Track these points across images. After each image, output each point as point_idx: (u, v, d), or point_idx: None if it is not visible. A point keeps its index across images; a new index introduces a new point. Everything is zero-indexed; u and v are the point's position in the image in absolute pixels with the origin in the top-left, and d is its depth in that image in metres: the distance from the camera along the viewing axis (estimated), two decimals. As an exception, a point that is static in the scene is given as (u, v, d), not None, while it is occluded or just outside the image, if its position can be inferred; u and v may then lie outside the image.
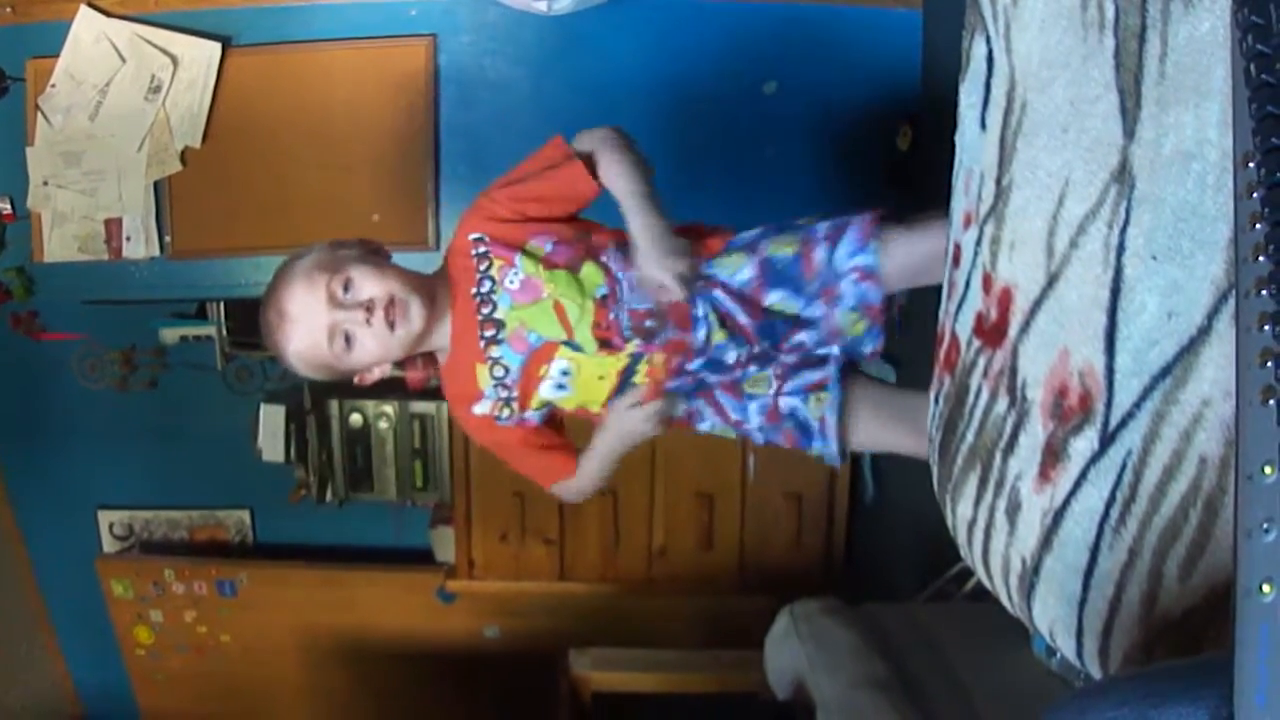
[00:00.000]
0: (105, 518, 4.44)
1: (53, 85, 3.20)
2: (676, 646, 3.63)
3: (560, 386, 1.99)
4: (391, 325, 1.87)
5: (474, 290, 1.96)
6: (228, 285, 3.40)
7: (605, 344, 1.96)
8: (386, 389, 3.96)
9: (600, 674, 3.36)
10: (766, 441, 2.12)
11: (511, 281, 1.94)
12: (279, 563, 4.23)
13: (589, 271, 1.96)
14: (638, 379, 2.00)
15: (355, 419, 4.00)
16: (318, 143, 3.25)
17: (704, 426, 2.13)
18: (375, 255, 1.96)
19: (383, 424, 4.00)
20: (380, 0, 3.21)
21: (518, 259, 1.94)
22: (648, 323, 1.96)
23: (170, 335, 4.05)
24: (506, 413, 2.02)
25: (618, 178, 1.97)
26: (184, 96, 3.20)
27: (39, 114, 3.22)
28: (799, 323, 2.00)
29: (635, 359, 1.97)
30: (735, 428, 2.10)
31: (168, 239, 3.30)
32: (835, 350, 2.03)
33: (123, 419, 4.25)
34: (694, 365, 2.01)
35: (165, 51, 3.18)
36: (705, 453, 3.79)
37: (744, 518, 3.88)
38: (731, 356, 2.01)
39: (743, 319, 1.99)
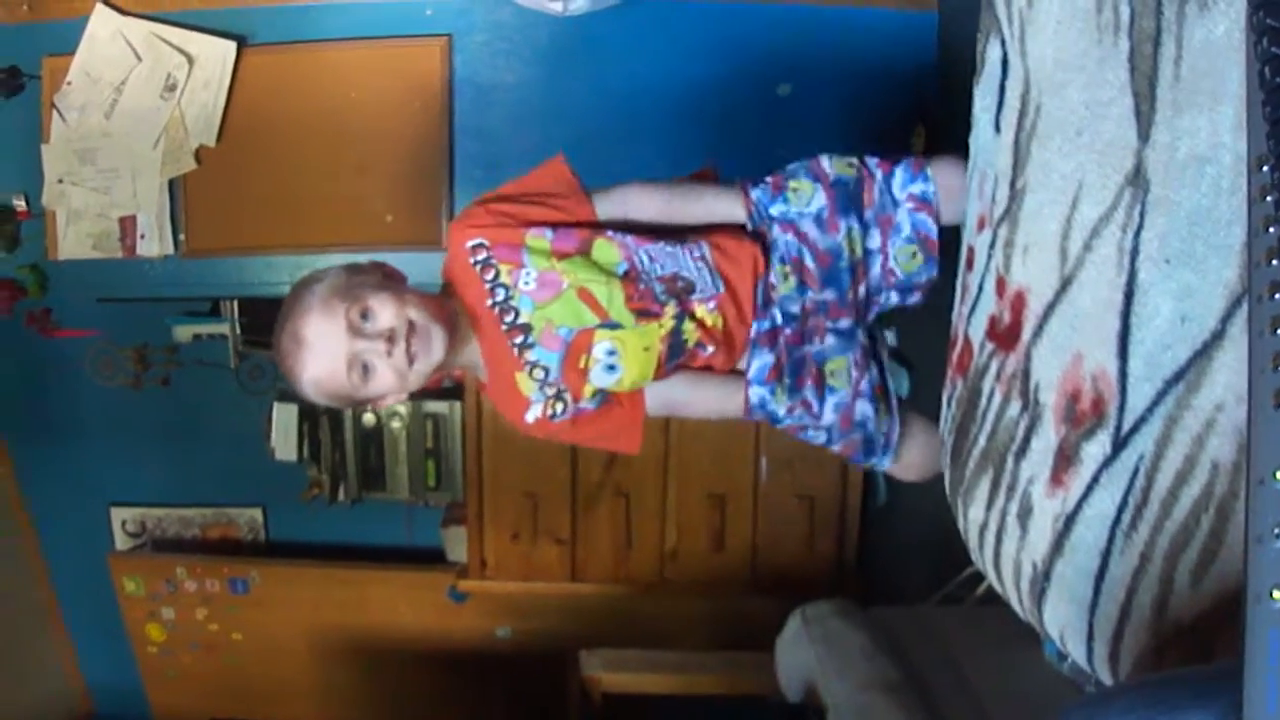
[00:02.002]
0: (118, 515, 4.44)
1: (68, 83, 3.21)
2: (687, 648, 3.63)
3: (610, 368, 1.94)
4: (412, 359, 1.82)
5: (490, 302, 1.92)
6: (241, 284, 3.41)
7: (643, 314, 1.92)
8: (399, 388, 3.99)
9: (611, 675, 3.36)
10: (825, 444, 2.10)
11: (526, 283, 1.91)
12: (291, 561, 4.23)
13: (601, 250, 1.94)
14: (688, 339, 1.97)
15: (368, 418, 4.00)
16: (332, 142, 3.26)
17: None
18: (392, 281, 1.91)
19: (396, 423, 4.00)
20: (396, 0, 3.22)
21: (525, 257, 1.91)
22: (679, 283, 1.94)
23: (184, 333, 4.06)
24: (560, 407, 1.97)
25: (633, 192, 2.01)
26: (199, 95, 3.21)
27: (54, 112, 3.23)
28: (863, 265, 2.00)
29: (679, 319, 1.94)
30: (807, 417, 2.05)
31: (182, 237, 3.31)
32: (889, 300, 2.04)
33: (136, 416, 4.26)
34: (764, 323, 1.99)
35: (181, 50, 3.19)
36: (717, 454, 3.78)
37: (756, 520, 3.87)
38: (797, 306, 2.00)
39: (810, 263, 1.99)
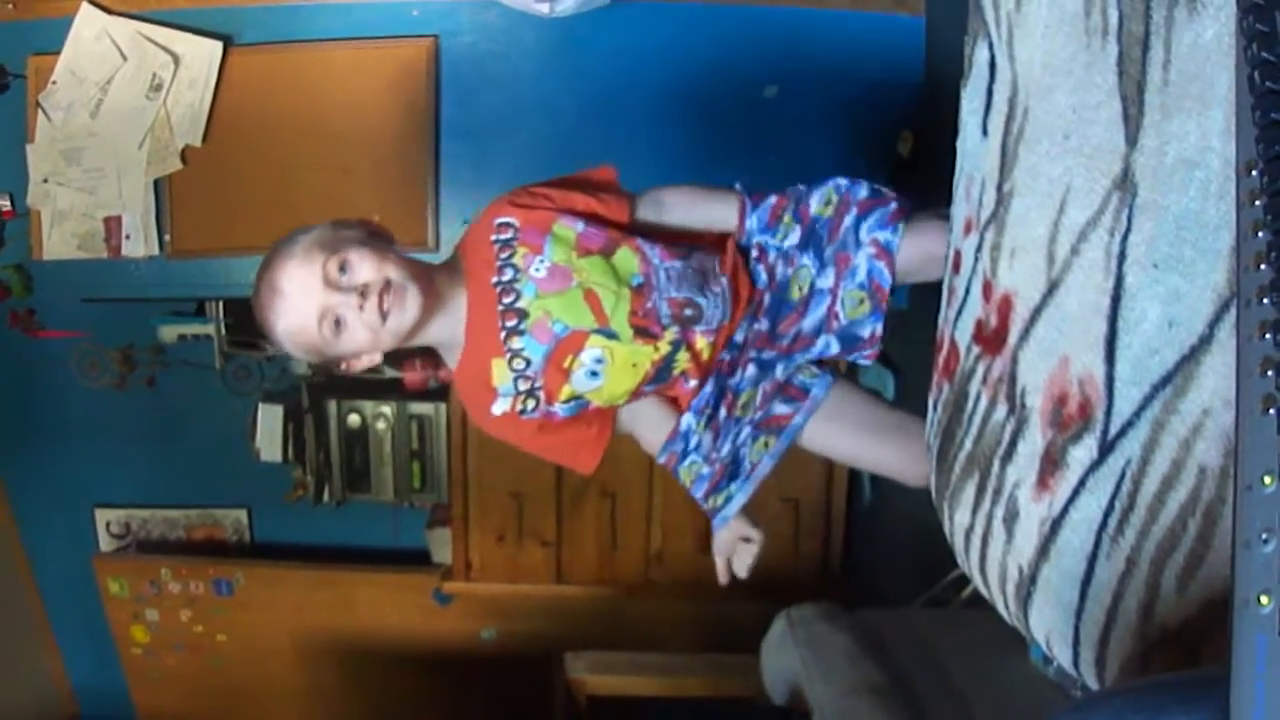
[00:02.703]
0: (102, 516, 4.43)
1: (54, 82, 3.20)
2: (673, 650, 3.63)
3: (593, 374, 1.92)
4: (385, 315, 1.79)
5: (494, 279, 1.90)
6: (227, 285, 3.39)
7: (642, 332, 1.91)
8: (385, 390, 3.99)
9: (596, 677, 3.36)
10: (697, 477, 2.09)
11: (538, 269, 1.89)
12: (276, 562, 4.22)
13: (623, 257, 1.93)
14: (678, 368, 1.96)
15: (353, 419, 3.99)
16: (318, 143, 3.25)
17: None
18: (377, 239, 1.87)
19: (381, 425, 3.99)
20: (382, 0, 3.21)
21: (546, 245, 1.89)
22: (687, 311, 1.93)
23: (169, 333, 4.04)
24: (531, 404, 1.94)
25: (668, 193, 2.02)
26: (185, 95, 3.20)
27: (40, 111, 3.22)
28: (805, 303, 2.00)
29: (675, 347, 1.93)
30: (710, 451, 2.07)
31: (167, 238, 3.30)
32: (829, 347, 2.02)
33: (120, 417, 4.24)
34: (722, 354, 2.00)
35: (167, 49, 3.18)
36: (703, 457, 3.78)
37: (742, 522, 3.88)
38: (741, 336, 2.00)
39: (766, 296, 2.01)
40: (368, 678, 4.19)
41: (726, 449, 2.03)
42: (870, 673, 2.30)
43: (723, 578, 2.12)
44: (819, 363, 2.09)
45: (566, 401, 1.95)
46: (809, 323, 2.01)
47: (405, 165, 3.25)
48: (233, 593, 4.15)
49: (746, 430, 2.03)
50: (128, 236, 3.28)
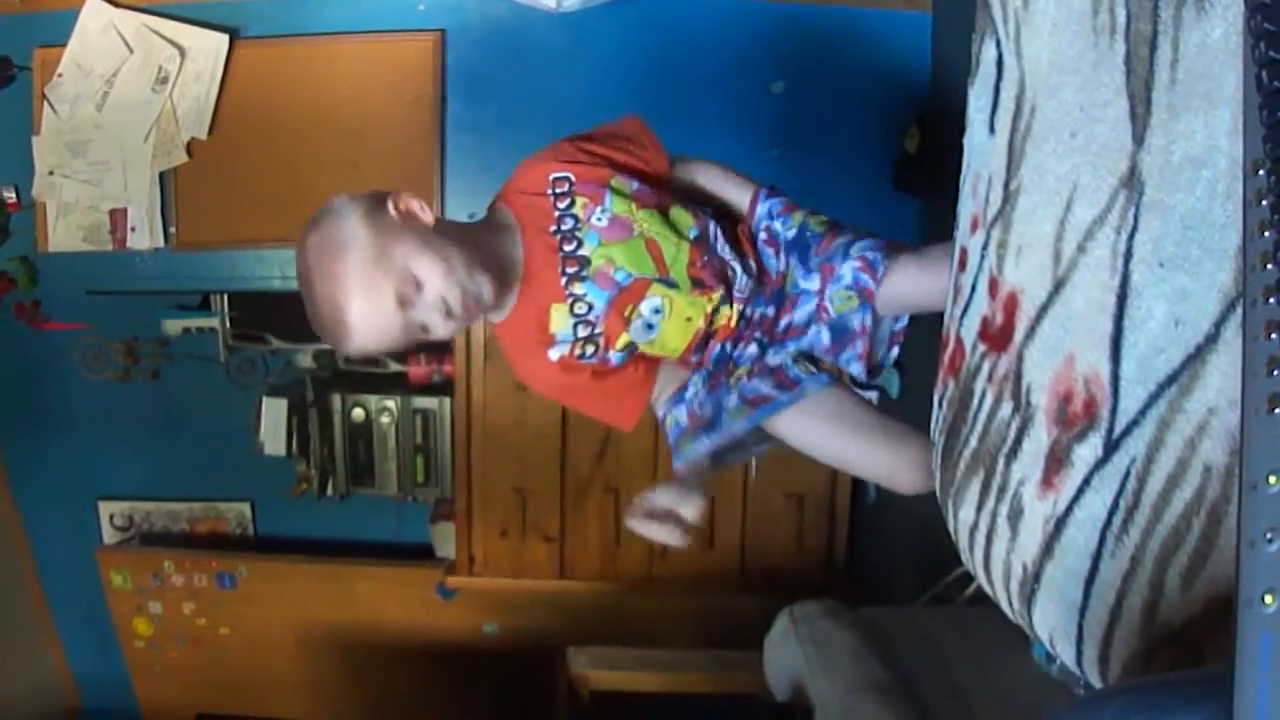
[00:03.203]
0: (106, 508, 4.43)
1: (60, 74, 3.21)
2: (675, 646, 3.63)
3: (649, 326, 1.93)
4: (469, 313, 1.82)
5: (553, 228, 1.90)
6: (232, 278, 3.40)
7: (698, 284, 1.92)
8: (389, 384, 3.99)
9: (599, 673, 3.36)
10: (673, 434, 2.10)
11: (599, 219, 1.89)
12: (279, 556, 4.23)
13: (678, 213, 1.94)
14: (718, 324, 1.98)
15: (357, 413, 4.00)
16: (324, 136, 3.25)
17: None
18: (418, 226, 1.83)
19: (385, 419, 4.00)
20: (389, -6, 3.23)
21: (607, 196, 1.90)
22: (729, 271, 1.95)
23: (173, 326, 4.05)
24: (591, 349, 1.94)
25: (699, 162, 2.03)
26: (191, 88, 3.20)
27: (45, 103, 3.22)
28: (795, 298, 2.02)
29: (722, 302, 1.95)
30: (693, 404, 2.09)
31: (172, 230, 3.30)
32: (820, 336, 2.03)
33: (124, 410, 4.25)
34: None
35: (173, 42, 3.18)
36: (707, 452, 3.78)
37: (745, 518, 3.88)
38: (753, 311, 2.01)
39: (772, 274, 2.02)
40: (370, 672, 4.19)
41: (710, 407, 2.04)
42: (873, 670, 2.30)
43: (633, 518, 2.00)
44: (817, 365, 2.10)
45: (621, 350, 1.96)
46: (800, 314, 2.03)
47: (411, 159, 3.25)
48: (236, 586, 4.15)
49: (734, 397, 2.05)
50: (133, 229, 3.28)
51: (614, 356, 1.97)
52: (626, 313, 1.92)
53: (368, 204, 1.82)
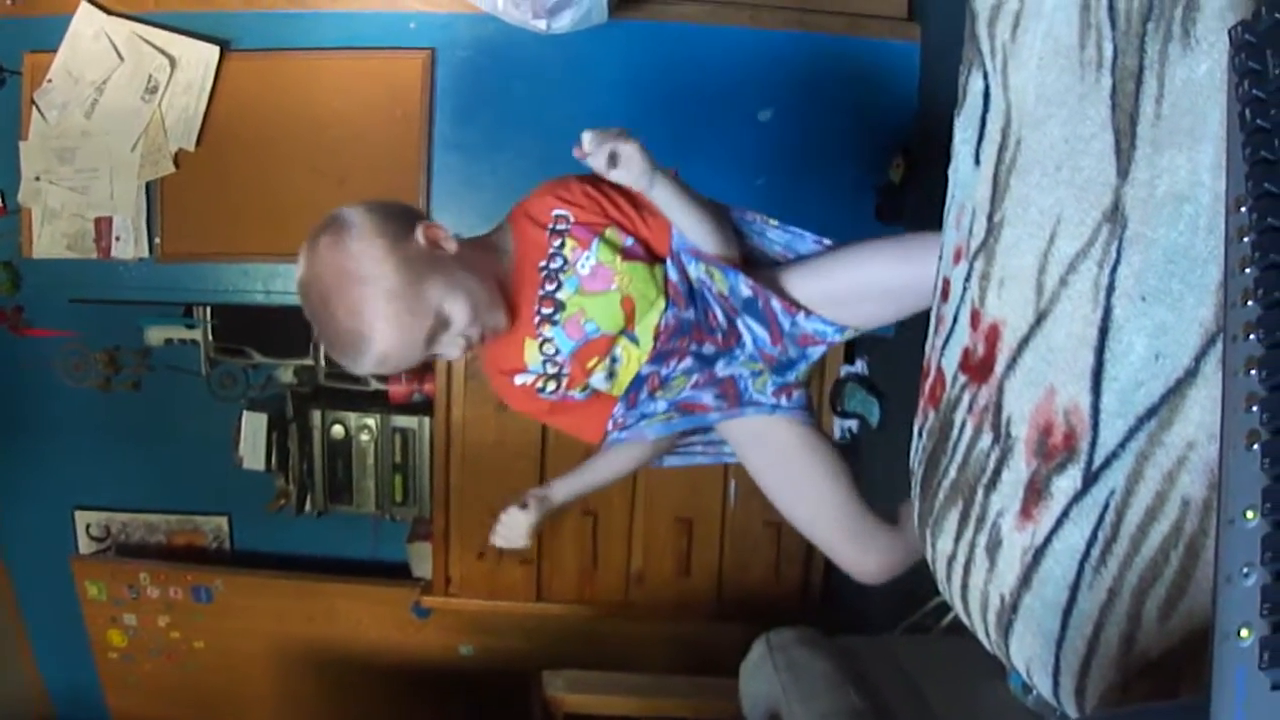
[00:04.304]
0: (82, 518, 4.41)
1: (49, 80, 3.20)
2: (651, 671, 3.62)
3: (610, 375, 2.01)
4: (484, 340, 1.91)
5: (543, 264, 1.94)
6: (216, 290, 3.39)
7: (656, 339, 1.98)
8: (369, 402, 3.98)
9: (573, 696, 3.35)
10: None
11: (583, 266, 1.93)
12: (255, 571, 4.21)
13: (661, 271, 1.97)
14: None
15: (337, 430, 3.99)
16: (311, 151, 3.25)
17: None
18: (447, 260, 1.85)
19: (364, 436, 3.99)
20: (380, 11, 3.22)
21: (595, 244, 1.92)
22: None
23: (156, 335, 4.04)
24: (552, 386, 2.01)
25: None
26: (180, 98, 3.20)
27: (34, 109, 3.22)
28: (723, 299, 2.04)
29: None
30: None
31: (157, 240, 3.29)
32: (752, 332, 2.04)
33: (104, 419, 4.24)
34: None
35: (164, 52, 3.18)
36: (687, 477, 3.78)
37: (723, 544, 3.88)
38: (662, 322, 2.01)
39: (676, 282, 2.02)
40: (344, 689, 4.17)
41: (635, 415, 2.08)
42: (849, 699, 2.29)
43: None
44: (788, 391, 2.12)
45: (584, 390, 2.03)
46: (721, 315, 2.04)
47: (397, 176, 3.25)
48: (211, 600, 4.14)
49: (661, 405, 2.08)
50: (118, 238, 3.27)
51: (577, 395, 2.04)
52: (590, 364, 1.97)
53: (393, 228, 1.82)
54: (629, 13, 3.17)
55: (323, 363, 3.92)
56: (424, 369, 3.75)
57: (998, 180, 1.18)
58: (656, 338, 1.96)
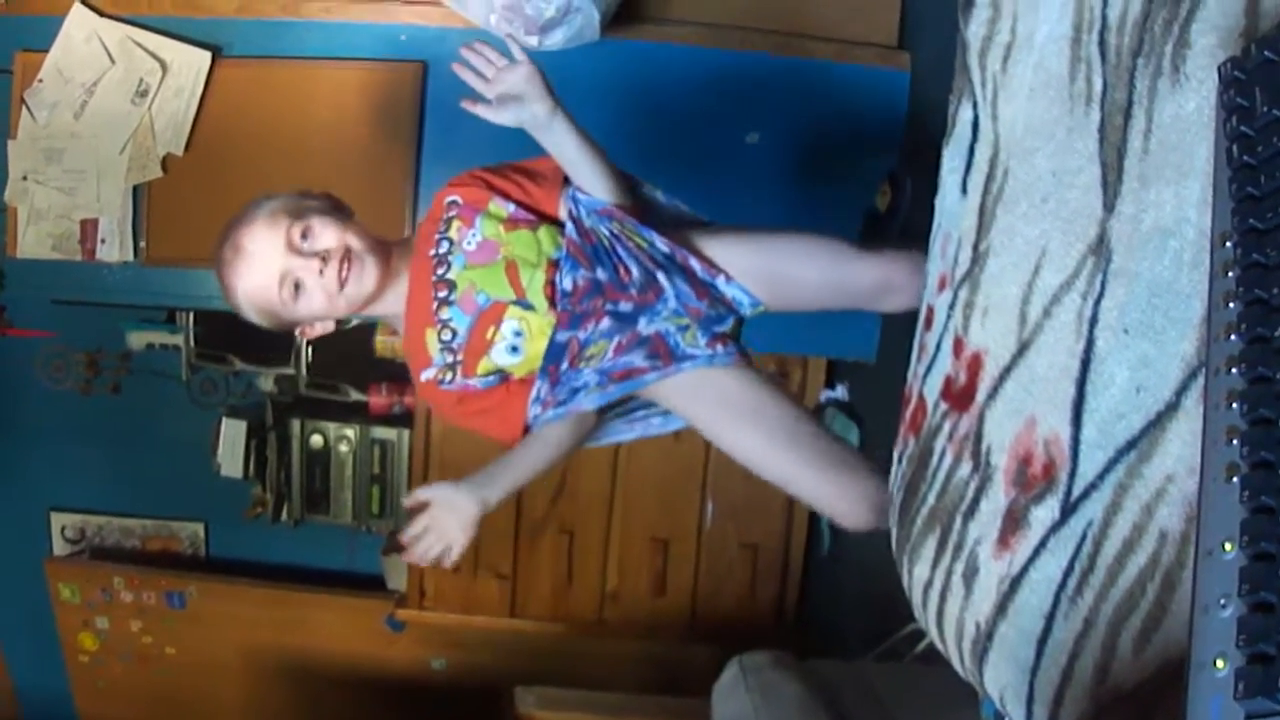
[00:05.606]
0: (57, 520, 4.39)
1: (40, 80, 3.19)
2: (624, 690, 3.61)
3: (514, 349, 2.01)
4: (344, 282, 1.89)
5: (432, 251, 2.00)
6: (199, 296, 3.38)
7: (553, 302, 1.99)
8: (349, 412, 3.97)
9: (545, 713, 3.34)
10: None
11: (469, 243, 1.99)
12: (229, 578, 4.20)
13: (546, 234, 2.01)
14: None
15: (316, 440, 3.98)
16: (300, 160, 3.25)
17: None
18: (340, 210, 1.99)
19: (343, 447, 3.98)
20: (373, 23, 3.22)
21: (478, 220, 1.99)
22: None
23: (137, 339, 4.03)
24: (449, 376, 2.03)
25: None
26: (170, 103, 3.19)
27: (24, 107, 3.21)
28: (639, 252, 2.05)
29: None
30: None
31: (142, 244, 3.28)
32: (674, 286, 2.05)
33: (83, 422, 4.22)
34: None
35: (155, 56, 3.17)
36: (663, 497, 3.79)
37: (699, 565, 3.88)
38: (569, 283, 2.02)
39: (575, 238, 2.03)
40: (315, 700, 4.16)
41: (564, 391, 2.06)
42: (820, 723, 2.29)
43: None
44: (723, 340, 2.11)
45: (485, 375, 2.03)
46: (638, 270, 2.05)
47: (386, 187, 3.25)
48: (184, 606, 4.12)
49: (590, 376, 2.05)
50: (103, 240, 3.26)
51: (477, 383, 2.04)
52: (489, 335, 1.99)
53: (306, 189, 2.06)
54: (621, 32, 3.17)
55: (304, 372, 3.91)
56: (404, 379, 3.74)
57: (984, 210, 1.19)
58: (553, 300, 1.98)
